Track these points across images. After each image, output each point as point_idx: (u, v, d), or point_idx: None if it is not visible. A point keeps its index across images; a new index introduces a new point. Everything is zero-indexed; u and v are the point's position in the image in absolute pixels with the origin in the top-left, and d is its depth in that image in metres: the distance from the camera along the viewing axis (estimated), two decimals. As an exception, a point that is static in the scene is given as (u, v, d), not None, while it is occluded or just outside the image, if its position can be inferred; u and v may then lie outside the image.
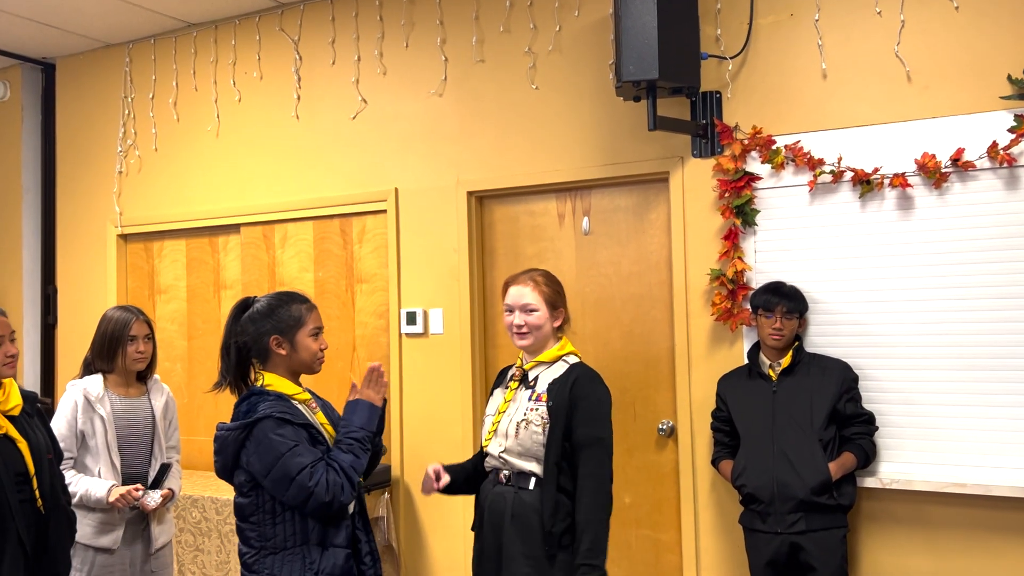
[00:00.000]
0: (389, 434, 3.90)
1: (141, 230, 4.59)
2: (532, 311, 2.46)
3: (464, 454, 3.37)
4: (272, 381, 2.22)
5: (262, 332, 2.22)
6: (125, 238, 4.68)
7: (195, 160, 4.44)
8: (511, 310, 2.50)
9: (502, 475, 2.46)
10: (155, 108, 4.57)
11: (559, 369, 2.48)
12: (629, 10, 2.97)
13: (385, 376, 2.30)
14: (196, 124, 4.44)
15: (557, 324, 2.51)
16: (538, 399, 2.43)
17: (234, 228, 4.36)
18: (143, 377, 3.04)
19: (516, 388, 2.50)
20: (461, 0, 3.77)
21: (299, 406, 2.23)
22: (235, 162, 4.32)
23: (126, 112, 4.66)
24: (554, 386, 2.42)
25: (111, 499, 2.77)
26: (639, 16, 2.95)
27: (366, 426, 2.22)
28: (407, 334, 3.86)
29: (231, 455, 2.14)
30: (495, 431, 2.49)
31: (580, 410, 2.36)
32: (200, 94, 4.43)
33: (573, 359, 2.51)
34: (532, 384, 2.47)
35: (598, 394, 2.42)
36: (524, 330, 2.47)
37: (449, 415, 3.75)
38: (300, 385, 2.29)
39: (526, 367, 2.51)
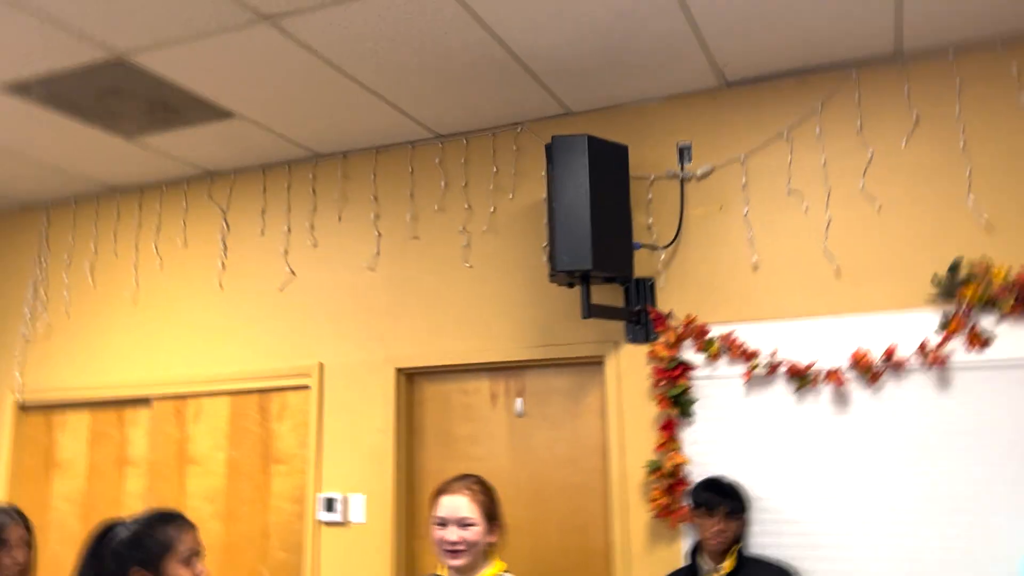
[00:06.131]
0: (301, 636, 3.52)
1: (42, 400, 4.25)
2: (469, 525, 2.22)
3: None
4: None
5: (124, 565, 1.82)
6: (24, 408, 4.33)
7: (109, 328, 4.20)
8: (444, 524, 2.23)
9: None
10: (71, 272, 4.36)
11: None
12: (562, 199, 2.97)
13: None
14: (113, 290, 4.24)
15: (492, 539, 2.29)
16: None
17: (144, 401, 4.07)
18: (18, 584, 2.68)
19: None
20: (396, 177, 3.77)
21: None
22: (151, 331, 4.10)
23: (39, 275, 4.43)
24: None
25: None
26: (572, 207, 2.95)
27: None
28: (325, 522, 3.56)
29: None
30: None
31: None
32: (120, 259, 4.26)
33: None
34: None
35: None
36: (460, 547, 2.19)
37: (368, 616, 3.41)
38: None
39: None
